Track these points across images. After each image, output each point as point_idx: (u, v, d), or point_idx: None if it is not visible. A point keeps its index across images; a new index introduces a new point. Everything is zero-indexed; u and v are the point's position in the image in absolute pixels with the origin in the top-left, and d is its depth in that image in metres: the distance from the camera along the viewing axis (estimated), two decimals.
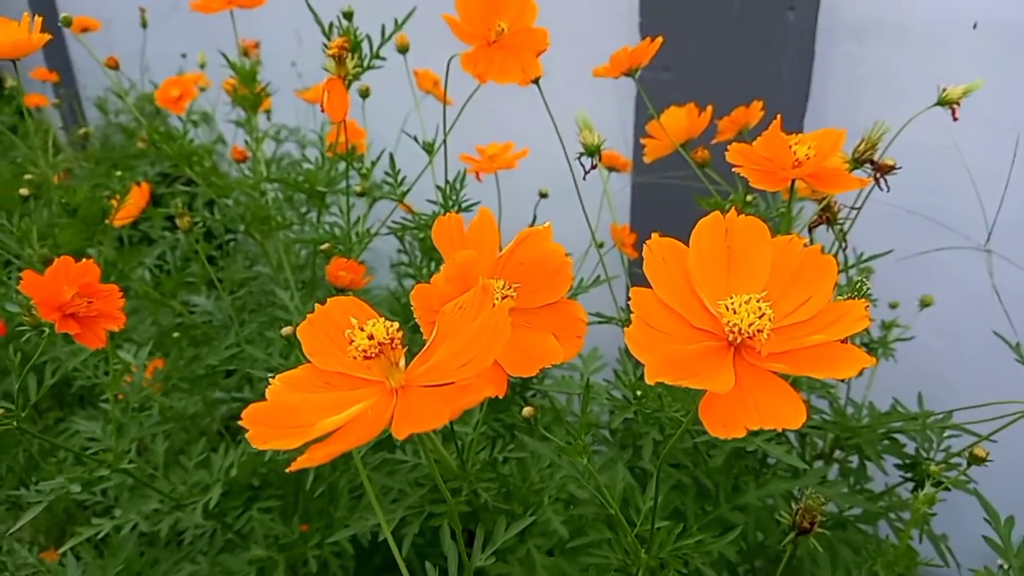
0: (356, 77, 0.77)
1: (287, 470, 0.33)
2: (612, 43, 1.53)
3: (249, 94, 1.26)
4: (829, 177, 0.59)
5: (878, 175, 0.72)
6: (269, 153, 1.77)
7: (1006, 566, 0.77)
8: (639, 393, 0.71)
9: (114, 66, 1.52)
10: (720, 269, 0.39)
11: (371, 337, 0.36)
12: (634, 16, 1.45)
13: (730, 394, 0.34)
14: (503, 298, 0.47)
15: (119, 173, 1.05)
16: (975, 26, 1.18)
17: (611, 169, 1.34)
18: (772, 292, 0.38)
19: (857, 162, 0.70)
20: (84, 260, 0.64)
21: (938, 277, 1.19)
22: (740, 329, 0.36)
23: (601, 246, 1.23)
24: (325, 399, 0.36)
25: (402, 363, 0.38)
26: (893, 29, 1.25)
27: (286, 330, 0.63)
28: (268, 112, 1.64)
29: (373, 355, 0.36)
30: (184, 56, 2.15)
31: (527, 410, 0.57)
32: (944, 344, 1.24)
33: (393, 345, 0.37)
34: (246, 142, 1.19)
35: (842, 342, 0.37)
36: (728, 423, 0.34)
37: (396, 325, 0.37)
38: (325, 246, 0.80)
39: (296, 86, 2.20)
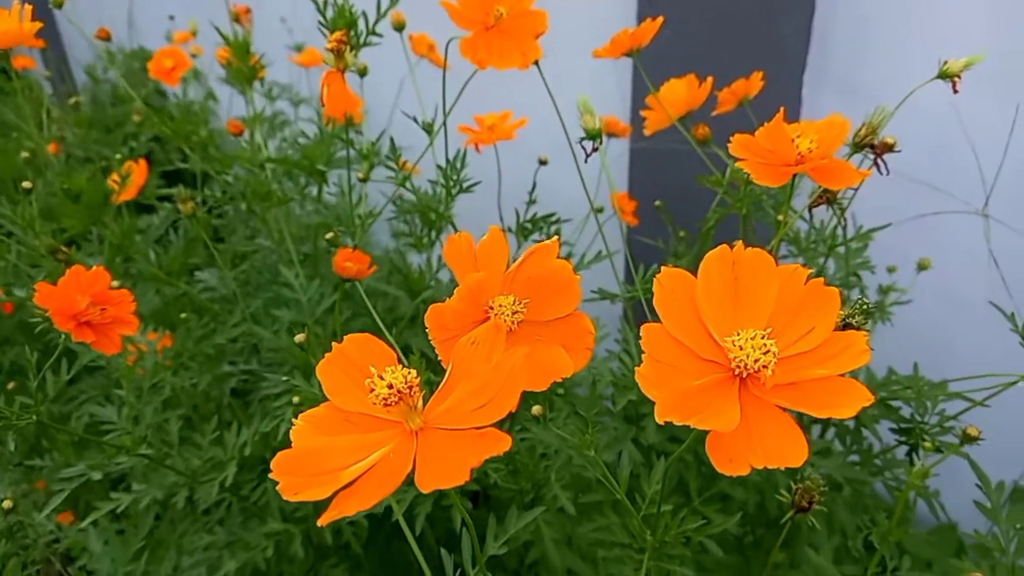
0: (356, 68, 0.77)
1: (318, 523, 0.35)
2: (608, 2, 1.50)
3: (244, 67, 1.25)
4: (832, 172, 0.60)
5: (878, 158, 0.72)
6: (264, 112, 1.76)
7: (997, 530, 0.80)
8: None
9: (106, 37, 1.49)
10: (727, 300, 0.40)
11: (390, 386, 0.37)
12: None
13: (736, 430, 0.36)
14: (513, 313, 0.48)
15: (118, 156, 1.04)
16: None
17: (610, 135, 1.33)
18: (777, 322, 0.40)
19: (858, 147, 0.70)
20: (95, 268, 0.65)
21: (936, 241, 1.20)
22: (746, 364, 0.38)
23: (601, 211, 1.24)
24: (348, 443, 0.38)
25: (420, 405, 0.39)
26: None
27: (299, 338, 0.64)
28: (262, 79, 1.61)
29: (393, 403, 0.38)
30: (172, 18, 2.11)
31: (536, 409, 0.59)
32: (942, 307, 1.26)
33: (411, 392, 0.38)
34: (243, 119, 1.18)
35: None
36: (734, 459, 0.36)
37: (414, 372, 0.38)
38: (330, 235, 0.80)
39: (287, 41, 2.17)
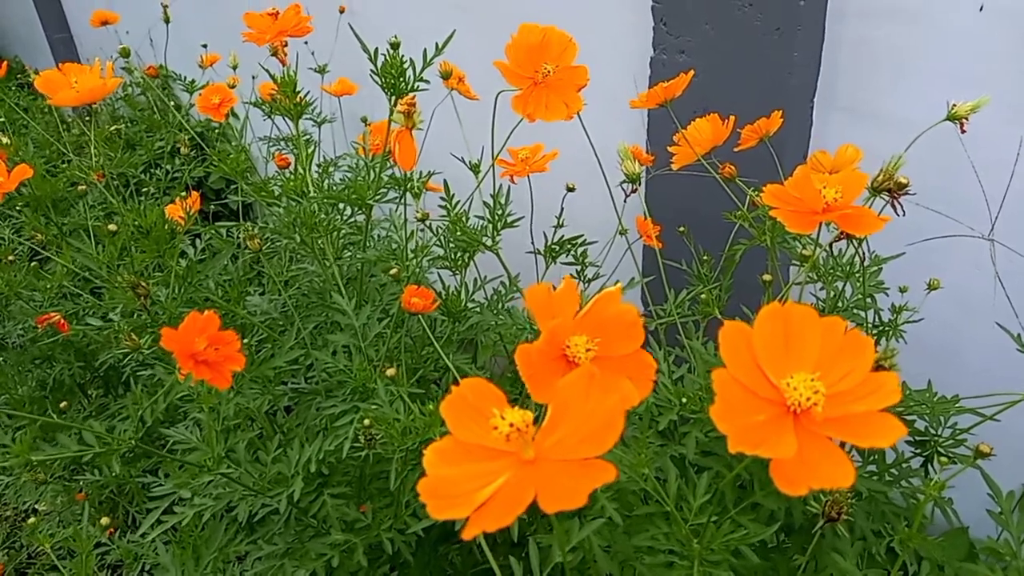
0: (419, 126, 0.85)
1: (462, 536, 0.43)
2: (627, 26, 1.59)
3: (291, 104, 1.33)
4: (856, 219, 0.68)
5: (895, 200, 0.80)
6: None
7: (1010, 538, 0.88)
8: (684, 400, 0.81)
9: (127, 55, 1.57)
10: (779, 348, 0.49)
11: (511, 424, 0.46)
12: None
13: (794, 458, 0.44)
14: (587, 351, 0.57)
15: (183, 194, 1.13)
16: (981, 8, 1.24)
17: None
18: (821, 365, 0.48)
19: (875, 191, 0.78)
20: (207, 312, 0.73)
21: (946, 260, 1.28)
22: (800, 403, 0.46)
23: (625, 232, 1.32)
24: (475, 470, 0.46)
25: (532, 439, 0.47)
26: (900, 10, 1.30)
27: (390, 372, 0.72)
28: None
29: (513, 438, 0.46)
30: (205, 46, 2.20)
31: None
32: (953, 323, 1.32)
33: (527, 429, 0.46)
34: (295, 154, 1.26)
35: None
36: (794, 482, 0.44)
37: (531, 415, 0.46)
38: (393, 271, 0.89)
39: (309, 63, 2.25)
